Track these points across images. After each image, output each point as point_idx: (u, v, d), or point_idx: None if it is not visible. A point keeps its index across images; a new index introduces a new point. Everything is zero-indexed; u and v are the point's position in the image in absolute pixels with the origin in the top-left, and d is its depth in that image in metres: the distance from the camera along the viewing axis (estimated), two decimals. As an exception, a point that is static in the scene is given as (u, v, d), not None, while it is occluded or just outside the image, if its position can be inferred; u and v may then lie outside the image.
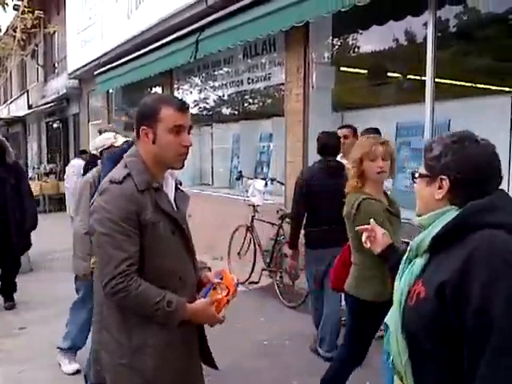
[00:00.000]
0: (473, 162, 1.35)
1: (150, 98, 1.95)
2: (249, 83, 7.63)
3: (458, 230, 1.32)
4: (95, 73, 11.41)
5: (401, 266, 1.53)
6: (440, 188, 1.40)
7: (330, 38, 6.53)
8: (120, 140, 3.64)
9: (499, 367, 1.17)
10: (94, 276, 1.99)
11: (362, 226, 2.27)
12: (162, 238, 1.85)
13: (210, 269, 2.16)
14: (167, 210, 1.89)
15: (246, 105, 9.05)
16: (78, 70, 13.04)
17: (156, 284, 1.81)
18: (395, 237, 2.54)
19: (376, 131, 4.51)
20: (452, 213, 1.36)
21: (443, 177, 1.38)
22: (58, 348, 4.02)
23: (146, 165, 1.89)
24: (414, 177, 1.51)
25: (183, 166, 1.96)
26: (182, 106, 1.89)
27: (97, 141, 3.86)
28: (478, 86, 5.77)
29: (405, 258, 1.51)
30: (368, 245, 2.24)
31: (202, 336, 2.07)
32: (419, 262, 1.41)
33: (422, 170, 1.46)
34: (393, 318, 1.45)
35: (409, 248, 1.48)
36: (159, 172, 1.94)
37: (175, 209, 1.96)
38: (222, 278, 2.03)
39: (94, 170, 3.57)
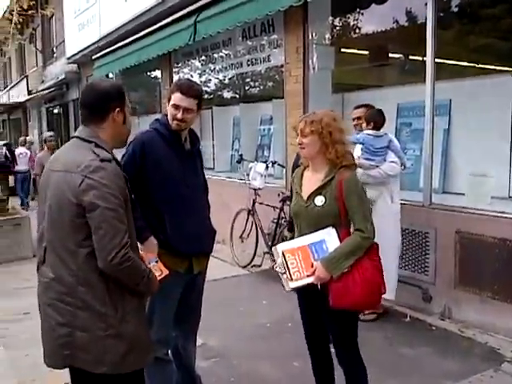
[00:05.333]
0: None
1: (108, 82, 2.21)
2: (248, 65, 7.55)
3: None
4: (93, 57, 11.30)
5: None
6: None
7: (330, 18, 6.45)
8: None
9: None
10: (73, 259, 1.96)
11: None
12: (129, 214, 2.04)
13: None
14: (129, 187, 2.12)
15: (246, 87, 8.98)
16: (76, 54, 12.91)
17: None
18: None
19: (366, 107, 4.58)
20: None
21: None
22: None
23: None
24: None
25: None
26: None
27: None
28: (479, 65, 5.72)
29: None
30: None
31: None
32: None
33: None
34: None
35: None
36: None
37: None
38: (157, 262, 2.37)
39: None
